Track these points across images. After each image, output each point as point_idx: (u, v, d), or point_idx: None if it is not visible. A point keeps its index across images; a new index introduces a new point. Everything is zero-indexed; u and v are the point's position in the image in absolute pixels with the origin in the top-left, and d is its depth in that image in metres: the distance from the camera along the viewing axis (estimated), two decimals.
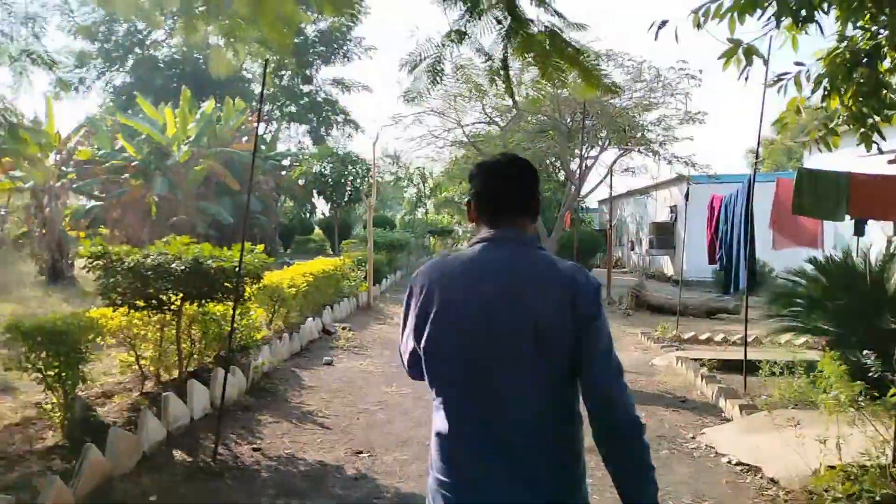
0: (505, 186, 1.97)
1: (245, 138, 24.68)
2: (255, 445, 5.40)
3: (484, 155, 21.03)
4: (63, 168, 17.67)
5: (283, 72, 37.57)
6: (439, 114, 18.70)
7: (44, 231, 16.31)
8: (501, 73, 4.87)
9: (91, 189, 21.16)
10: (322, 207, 35.62)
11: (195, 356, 6.68)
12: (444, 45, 4.98)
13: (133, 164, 20.51)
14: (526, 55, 5.01)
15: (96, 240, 5.94)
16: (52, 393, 4.96)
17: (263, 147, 26.86)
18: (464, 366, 1.82)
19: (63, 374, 4.87)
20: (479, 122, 19.34)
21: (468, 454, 1.80)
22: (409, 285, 1.98)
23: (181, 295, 5.79)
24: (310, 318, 10.19)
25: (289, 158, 31.55)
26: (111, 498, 4.20)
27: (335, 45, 39.67)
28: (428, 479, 1.93)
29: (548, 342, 1.75)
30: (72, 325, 4.91)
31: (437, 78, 4.86)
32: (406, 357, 2.07)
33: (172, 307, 5.86)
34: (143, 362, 6.17)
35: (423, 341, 1.90)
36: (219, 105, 24.19)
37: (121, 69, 38.94)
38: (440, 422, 1.89)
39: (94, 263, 5.63)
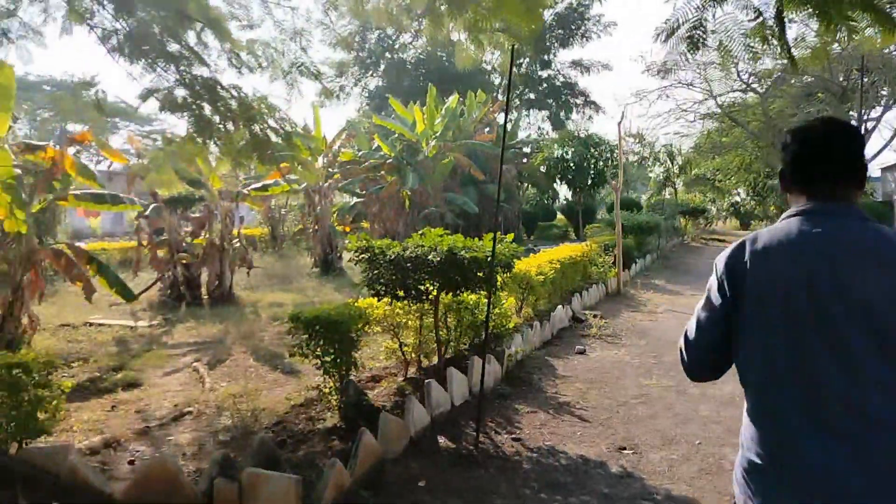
0: (822, 153, 1.74)
1: (486, 129, 25.34)
2: (514, 435, 5.38)
3: (741, 125, 19.37)
4: (329, 169, 19.48)
5: (521, 59, 37.94)
6: (688, 85, 17.56)
7: (316, 227, 18.20)
8: (775, 29, 4.32)
9: (353, 187, 23.25)
10: (563, 192, 35.46)
11: (451, 343, 6.88)
12: (704, 7, 4.54)
13: (388, 161, 22.05)
14: (803, 7, 4.42)
15: (361, 235, 6.33)
16: (328, 377, 5.37)
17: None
18: (784, 353, 1.62)
19: (338, 359, 5.25)
20: (734, 91, 17.82)
21: (797, 447, 1.59)
22: (713, 269, 1.81)
23: (437, 285, 5.96)
24: (559, 306, 10.03)
25: (530, 145, 31.82)
26: (383, 481, 4.41)
27: (573, 27, 39.19)
28: (736, 459, 1.76)
29: (884, 328, 1.52)
30: (344, 314, 5.28)
31: (698, 44, 4.45)
32: (692, 353, 1.88)
33: (430, 297, 6.05)
34: (405, 349, 6.49)
35: (737, 331, 1.73)
36: (461, 99, 25.07)
37: (374, 74, 42.26)
38: (753, 405, 1.72)
39: (360, 257, 6.01)
